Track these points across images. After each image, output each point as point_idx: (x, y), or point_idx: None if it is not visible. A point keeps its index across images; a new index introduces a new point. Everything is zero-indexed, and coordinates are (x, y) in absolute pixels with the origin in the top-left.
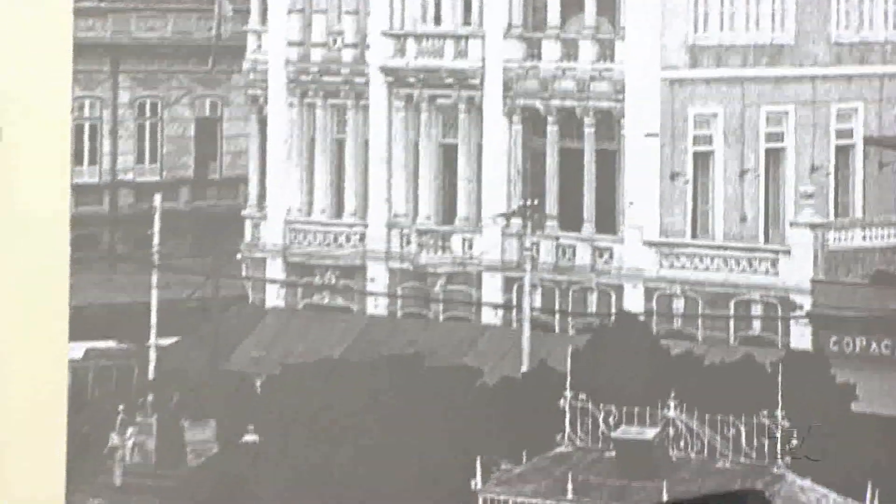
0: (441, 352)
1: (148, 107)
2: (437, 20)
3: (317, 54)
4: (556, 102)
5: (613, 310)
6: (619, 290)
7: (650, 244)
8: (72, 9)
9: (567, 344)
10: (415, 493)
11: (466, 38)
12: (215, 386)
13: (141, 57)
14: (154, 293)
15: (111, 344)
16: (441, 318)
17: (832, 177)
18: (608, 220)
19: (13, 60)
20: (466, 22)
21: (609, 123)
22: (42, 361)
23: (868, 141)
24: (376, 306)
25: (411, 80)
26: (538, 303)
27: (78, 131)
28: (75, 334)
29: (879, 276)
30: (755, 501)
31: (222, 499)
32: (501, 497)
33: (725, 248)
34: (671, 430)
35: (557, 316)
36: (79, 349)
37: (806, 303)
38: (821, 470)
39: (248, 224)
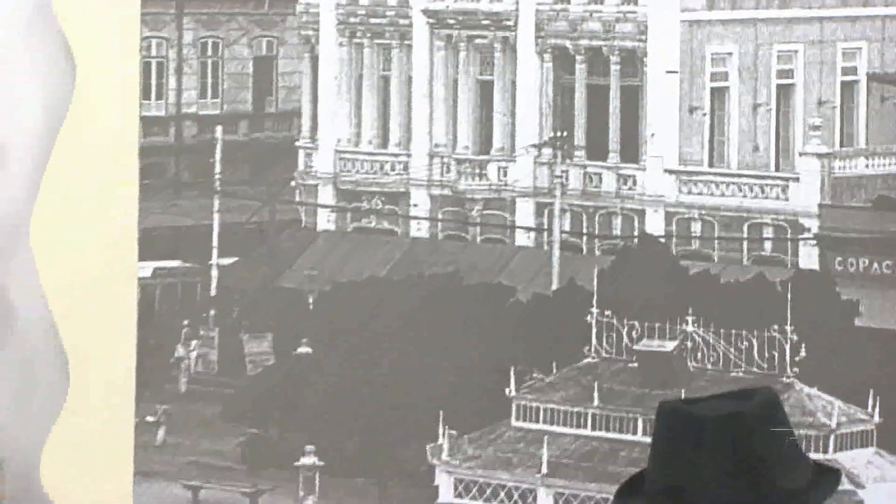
0: (478, 271)
1: (210, 46)
2: None
3: None
4: (583, 42)
5: (636, 232)
6: (642, 214)
7: (670, 172)
8: None
9: (593, 264)
10: (454, 399)
11: None
12: (271, 302)
13: (203, 0)
14: (216, 217)
15: (176, 263)
16: (478, 239)
17: (838, 110)
18: (632, 150)
19: (87, 4)
20: None
21: (633, 61)
22: (114, 279)
23: (871, 77)
24: (419, 229)
25: (451, 21)
26: (567, 226)
27: (146, 69)
28: (144, 254)
29: (881, 202)
30: (763, 395)
31: (278, 405)
32: (533, 403)
33: (739, 175)
34: (689, 343)
35: (585, 238)
36: (147, 268)
37: (813, 226)
38: (826, 379)
39: (301, 154)
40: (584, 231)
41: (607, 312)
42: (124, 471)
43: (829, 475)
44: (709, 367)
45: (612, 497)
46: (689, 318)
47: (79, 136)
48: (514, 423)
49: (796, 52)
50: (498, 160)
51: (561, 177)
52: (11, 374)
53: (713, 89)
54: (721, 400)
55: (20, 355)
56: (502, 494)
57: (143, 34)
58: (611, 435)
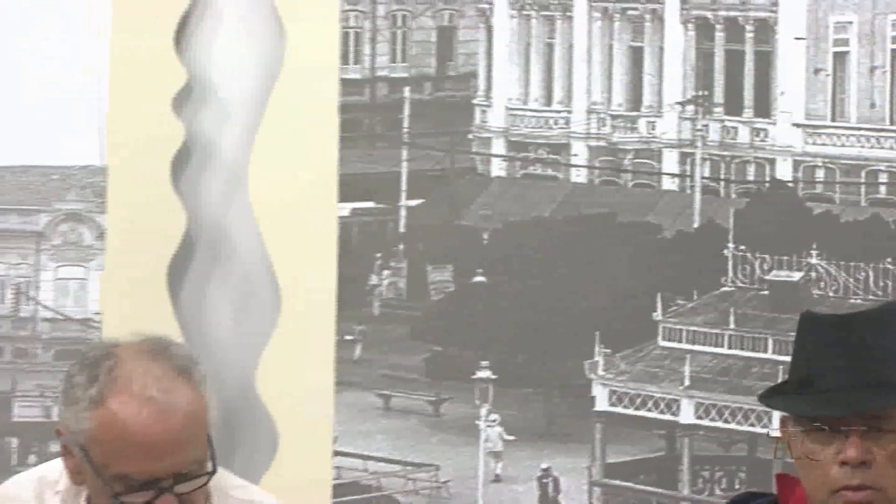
0: (629, 211)
1: (399, 18)
2: None
3: None
4: (722, 13)
5: (767, 178)
6: (772, 162)
7: (797, 125)
8: None
9: (730, 205)
10: (608, 321)
11: None
12: (451, 238)
13: None
14: (404, 165)
15: (371, 204)
16: (629, 184)
17: None
18: (763, 107)
19: None
20: None
21: (765, 30)
22: (318, 218)
23: None
24: (578, 175)
25: None
26: (707, 172)
27: (345, 38)
28: (343, 197)
29: None
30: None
31: (457, 326)
32: (677, 326)
33: (858, 128)
34: (813, 274)
35: (722, 183)
36: (346, 209)
37: None
38: None
39: (477, 110)
40: (722, 177)
41: (742, 247)
42: (327, 381)
43: None
44: (830, 294)
45: (745, 406)
46: (814, 252)
47: (288, 95)
48: (660, 342)
49: None
50: (647, 116)
51: (702, 130)
52: (231, 297)
53: (835, 53)
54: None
55: (238, 282)
56: (650, 404)
57: (342, 8)
58: (744, 353)
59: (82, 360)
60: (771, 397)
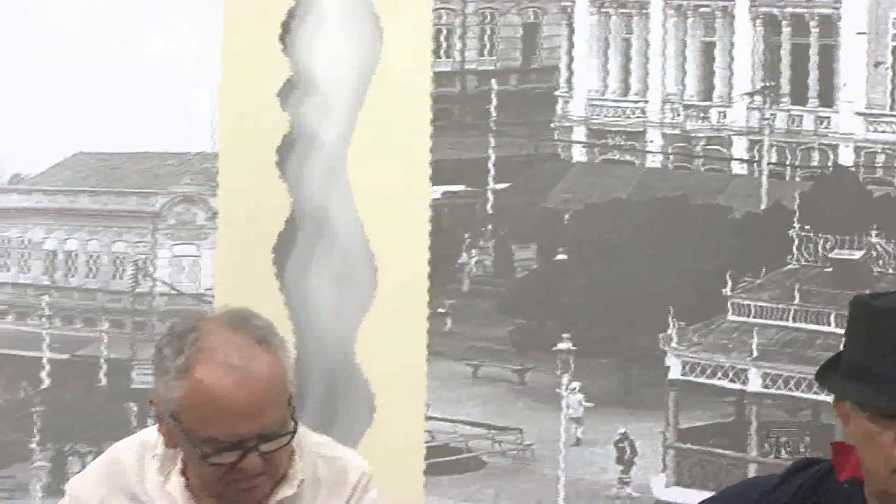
0: (700, 194)
1: (487, 15)
2: None
3: None
4: (788, 10)
5: (830, 163)
6: (835, 148)
7: (859, 114)
8: None
9: (795, 188)
10: (681, 297)
11: None
12: (535, 218)
13: None
14: (491, 151)
15: (460, 188)
16: (701, 169)
17: None
18: (827, 97)
19: None
20: None
21: (828, 25)
22: (411, 200)
23: None
24: (653, 161)
25: None
26: (773, 158)
27: (437, 33)
28: (435, 181)
29: None
30: None
31: (540, 301)
32: (745, 301)
33: None
34: (873, 253)
35: (788, 168)
36: (438, 191)
37: None
38: None
39: (559, 101)
40: (788, 162)
41: (806, 227)
42: (420, 351)
43: None
44: (889, 271)
45: (809, 376)
46: (874, 232)
47: (384, 87)
48: (729, 316)
49: None
50: (718, 106)
51: (769, 118)
52: (332, 274)
53: (894, 48)
54: None
55: (338, 260)
56: (720, 373)
57: (435, 6)
58: (808, 326)
59: (170, 333)
60: (825, 376)
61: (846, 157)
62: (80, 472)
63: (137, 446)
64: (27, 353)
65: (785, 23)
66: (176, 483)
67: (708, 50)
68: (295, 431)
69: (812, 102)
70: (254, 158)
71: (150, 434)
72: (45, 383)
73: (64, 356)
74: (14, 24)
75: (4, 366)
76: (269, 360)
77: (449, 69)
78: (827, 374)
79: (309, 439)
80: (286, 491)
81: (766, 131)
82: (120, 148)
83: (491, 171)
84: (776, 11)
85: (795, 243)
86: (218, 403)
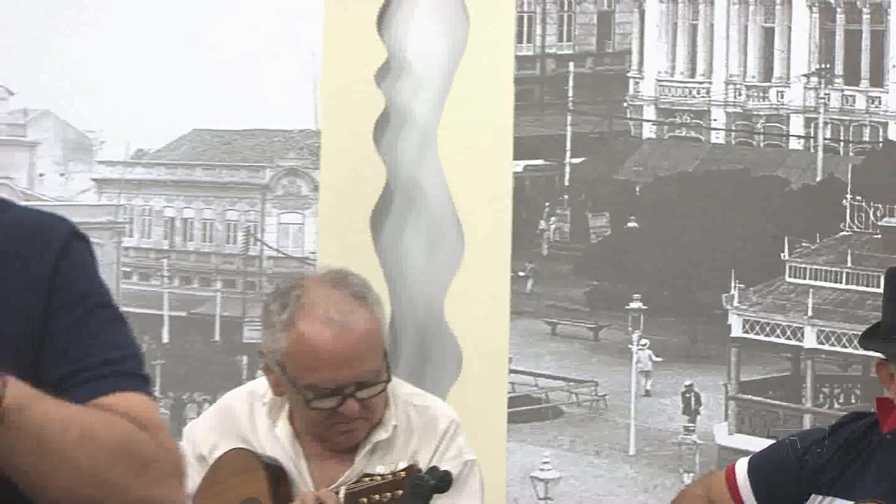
0: (760, 167)
1: (565, 3)
2: None
3: None
4: None
5: (881, 139)
6: (885, 125)
7: None
8: None
9: (848, 162)
10: (742, 260)
11: None
12: (608, 189)
13: None
14: (569, 128)
15: (540, 162)
16: (761, 145)
17: None
18: (877, 78)
19: None
20: None
21: (879, 11)
22: (496, 173)
23: None
24: (717, 137)
25: None
26: (828, 134)
27: (519, 20)
28: (518, 155)
29: None
30: None
31: (613, 264)
32: (802, 264)
33: None
34: None
35: (841, 143)
36: (520, 165)
37: None
38: None
39: (630, 82)
40: (841, 138)
41: (858, 198)
42: (503, 310)
43: None
44: None
45: (860, 333)
46: None
47: (471, 69)
48: (787, 279)
49: None
50: (777, 86)
51: (824, 98)
52: (423, 239)
53: None
54: None
55: (429, 226)
56: (778, 331)
57: None
58: (859, 288)
59: (275, 291)
60: (868, 339)
61: (895, 133)
62: (196, 418)
63: (247, 395)
64: (149, 310)
65: (839, 10)
66: (283, 427)
67: (768, 35)
68: (388, 381)
69: (864, 83)
70: (352, 134)
71: (259, 384)
72: (166, 338)
73: (182, 313)
74: (134, 9)
75: (130, 322)
76: (365, 315)
77: (530, 53)
78: (870, 338)
79: (402, 389)
80: (381, 434)
81: (821, 110)
82: (232, 125)
83: (568, 147)
84: (831, 0)
85: (848, 212)
86: (318, 353)
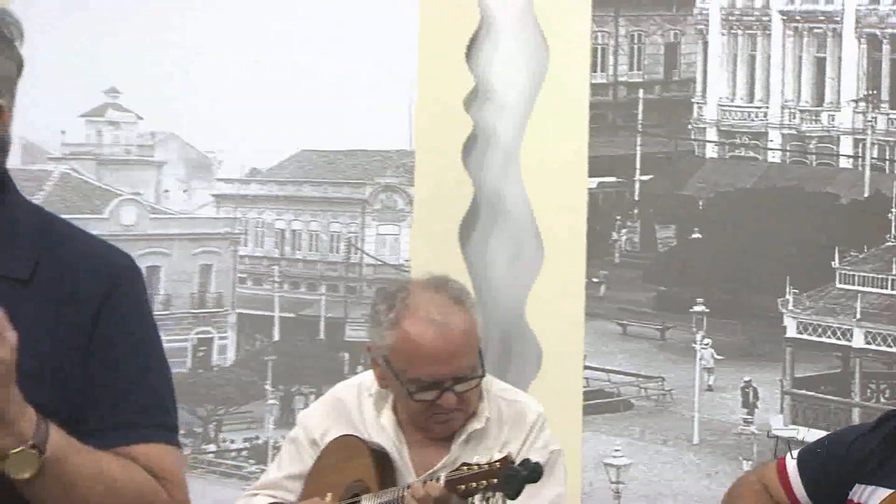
0: (813, 184)
1: (636, 36)
2: None
3: (737, 4)
4: (888, 31)
5: None
6: None
7: None
8: None
9: (894, 179)
10: (796, 268)
11: None
12: (674, 204)
13: (628, 9)
14: (638, 149)
15: (612, 179)
16: (814, 163)
17: None
18: None
19: (557, 8)
20: None
21: None
22: (573, 189)
23: None
24: (773, 157)
25: (797, 18)
26: (875, 154)
27: (594, 51)
28: (592, 173)
29: None
30: None
31: (679, 271)
32: (851, 272)
33: None
34: None
35: (887, 162)
36: (594, 182)
37: None
38: None
39: (695, 107)
40: (887, 157)
41: None
42: (579, 312)
43: None
44: None
45: None
46: None
47: (550, 95)
48: (837, 285)
49: None
50: (828, 110)
51: (871, 121)
52: (506, 248)
53: None
54: None
55: (512, 237)
56: (829, 332)
57: (592, 29)
58: None
59: (383, 293)
60: None
61: None
62: (303, 408)
63: (356, 387)
64: (262, 312)
65: (885, 41)
66: (387, 417)
67: (820, 64)
68: (483, 376)
69: None
70: (443, 154)
71: (366, 377)
72: (276, 337)
73: (291, 315)
74: (250, 44)
75: (244, 322)
76: (463, 316)
77: (603, 81)
78: None
79: (494, 385)
80: (476, 425)
81: (868, 132)
82: (336, 147)
83: (638, 165)
84: (877, 32)
85: (893, 224)
86: (421, 350)
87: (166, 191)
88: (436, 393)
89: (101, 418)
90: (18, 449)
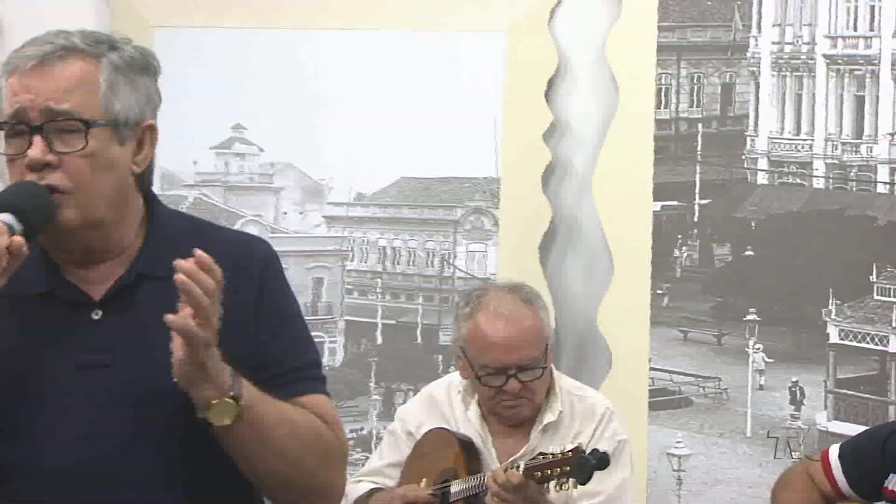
0: (853, 208)
1: (695, 77)
2: (854, 26)
3: (785, 48)
4: None
5: None
6: None
7: None
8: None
9: None
10: (838, 282)
11: (872, 38)
12: (730, 225)
13: (689, 53)
14: (697, 176)
15: (675, 203)
16: (854, 189)
17: None
18: None
19: (625, 53)
20: (871, 29)
21: None
22: (638, 213)
23: None
24: (818, 184)
25: (840, 60)
26: None
27: (658, 91)
28: (656, 197)
29: None
30: None
31: (734, 284)
32: (888, 285)
33: None
34: None
35: None
36: (658, 205)
37: None
38: None
39: (747, 139)
40: None
41: None
42: (645, 321)
43: None
44: None
45: None
46: None
47: (620, 130)
48: (875, 297)
49: None
50: (866, 142)
51: None
52: (581, 265)
53: None
54: None
55: (586, 255)
56: (867, 338)
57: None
58: None
59: (465, 293)
60: None
61: None
62: (402, 404)
63: (446, 385)
64: (366, 319)
65: None
66: (474, 411)
67: (859, 102)
68: (545, 368)
69: None
70: (525, 181)
71: (456, 376)
72: (379, 341)
73: (392, 322)
74: (358, 84)
75: (351, 328)
76: (529, 314)
77: (666, 117)
78: None
79: (566, 382)
80: (549, 417)
81: None
82: (431, 174)
83: (697, 190)
84: None
85: None
86: (489, 339)
87: (284, 213)
88: (502, 379)
89: (273, 377)
90: (219, 399)
